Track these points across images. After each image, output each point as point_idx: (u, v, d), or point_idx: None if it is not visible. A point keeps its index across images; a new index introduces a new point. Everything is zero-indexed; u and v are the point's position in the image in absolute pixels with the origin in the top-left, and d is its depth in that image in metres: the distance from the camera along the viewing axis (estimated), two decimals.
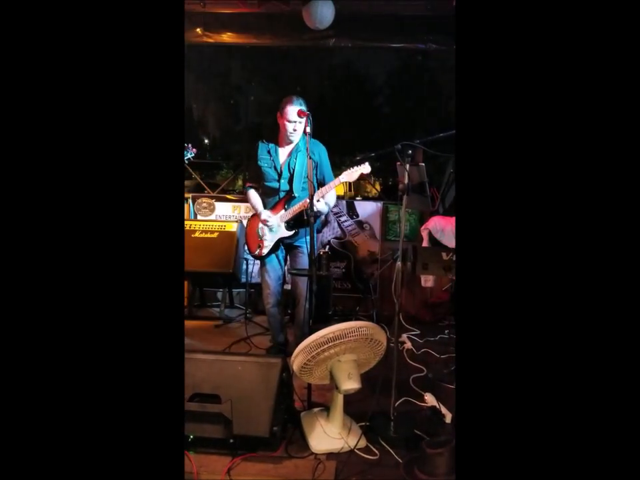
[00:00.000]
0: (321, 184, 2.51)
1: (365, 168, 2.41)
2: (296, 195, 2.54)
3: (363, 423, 1.98)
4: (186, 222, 3.70)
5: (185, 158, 2.50)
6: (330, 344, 1.82)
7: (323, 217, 3.47)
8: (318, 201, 2.41)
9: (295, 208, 2.50)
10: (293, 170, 2.54)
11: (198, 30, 4.21)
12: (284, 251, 2.68)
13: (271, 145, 2.59)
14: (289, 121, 2.42)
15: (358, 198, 4.19)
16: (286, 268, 2.79)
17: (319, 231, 3.66)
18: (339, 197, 3.73)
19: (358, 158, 2.37)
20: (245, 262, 3.52)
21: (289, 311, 3.20)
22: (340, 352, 1.86)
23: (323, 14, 3.17)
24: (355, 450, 1.84)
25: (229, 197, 4.02)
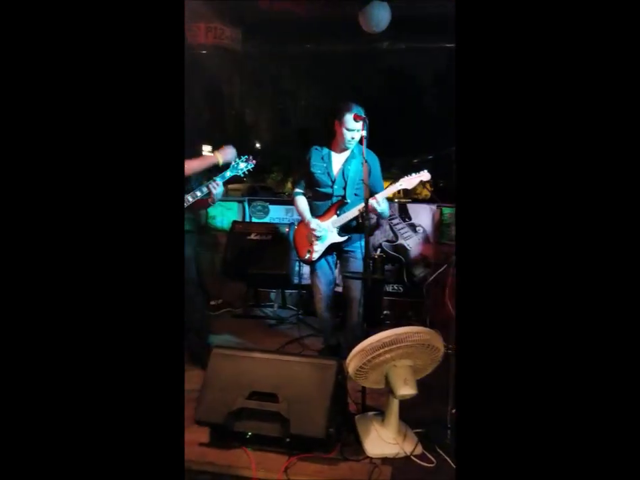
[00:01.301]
0: (372, 193, 2.50)
1: (425, 175, 2.39)
2: (348, 200, 2.55)
3: (419, 430, 1.96)
4: (242, 224, 3.82)
5: (246, 169, 2.60)
6: (386, 348, 1.81)
7: (374, 220, 3.46)
8: (379, 203, 2.40)
9: (350, 213, 2.51)
10: (347, 176, 2.55)
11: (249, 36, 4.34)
12: (334, 256, 2.69)
13: (325, 151, 2.61)
14: (348, 130, 2.43)
15: (408, 200, 4.14)
16: (336, 271, 2.80)
17: (370, 234, 3.65)
18: (389, 200, 3.70)
19: (415, 161, 2.35)
20: (297, 263, 3.58)
21: (340, 314, 3.21)
22: (396, 357, 1.85)
23: (380, 17, 3.17)
24: (411, 456, 1.82)
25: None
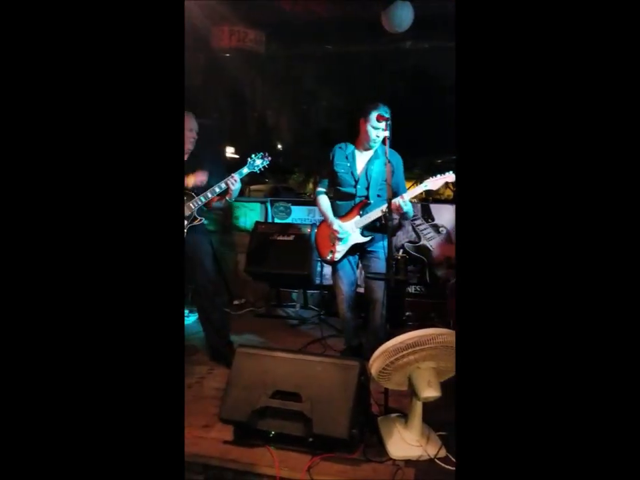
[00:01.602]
0: (394, 194, 2.49)
1: (450, 177, 2.38)
2: (371, 201, 2.55)
3: (442, 433, 1.94)
4: (264, 224, 3.86)
5: (262, 166, 2.67)
6: (409, 350, 1.80)
7: (396, 221, 3.44)
8: (405, 203, 2.40)
9: (373, 214, 2.50)
10: (371, 177, 2.55)
11: (271, 39, 4.37)
12: (357, 256, 2.69)
13: (349, 150, 2.61)
14: (374, 128, 2.44)
15: (430, 200, 4.11)
16: (358, 272, 2.80)
17: (392, 235, 3.63)
18: (411, 200, 3.68)
19: (439, 161, 2.34)
20: (318, 264, 3.59)
21: (362, 315, 3.21)
22: (420, 359, 1.84)
23: (403, 17, 3.15)
24: (435, 459, 1.80)
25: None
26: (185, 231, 2.62)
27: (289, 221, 3.99)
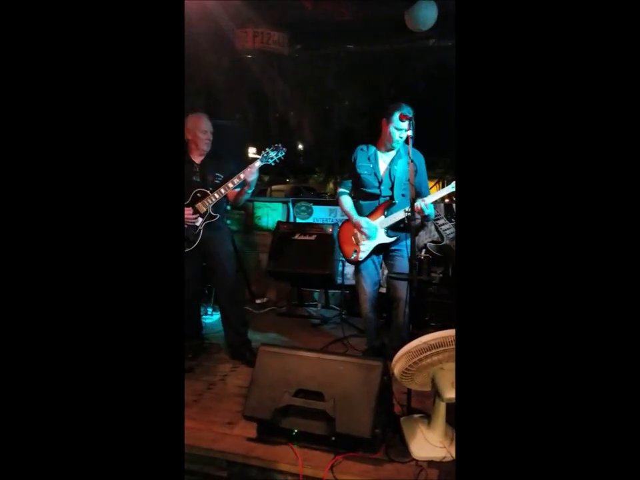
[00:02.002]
0: (418, 193, 2.48)
1: None
2: (396, 201, 2.54)
3: None
4: (286, 224, 3.88)
5: (276, 157, 2.61)
6: (432, 351, 1.79)
7: (419, 220, 3.41)
8: (427, 207, 2.39)
9: (398, 215, 2.50)
10: (394, 177, 2.54)
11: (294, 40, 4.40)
12: (380, 256, 2.68)
13: (371, 151, 2.60)
14: (397, 129, 2.43)
15: (453, 200, 4.05)
16: (381, 272, 2.79)
17: (415, 234, 3.60)
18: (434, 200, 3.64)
19: None
20: (340, 263, 3.59)
21: (384, 315, 3.19)
22: (443, 359, 1.82)
23: (427, 16, 3.12)
24: None
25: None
26: (201, 228, 2.62)
27: (310, 220, 4.01)
